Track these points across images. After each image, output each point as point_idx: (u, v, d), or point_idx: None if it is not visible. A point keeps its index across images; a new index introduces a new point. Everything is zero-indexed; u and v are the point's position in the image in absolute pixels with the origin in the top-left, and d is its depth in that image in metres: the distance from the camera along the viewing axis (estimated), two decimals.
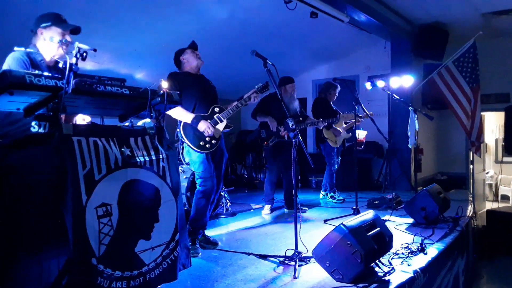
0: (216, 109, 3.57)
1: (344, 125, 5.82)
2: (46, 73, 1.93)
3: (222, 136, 3.64)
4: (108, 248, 1.97)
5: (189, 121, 3.41)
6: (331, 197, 5.78)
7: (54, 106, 1.95)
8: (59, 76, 1.94)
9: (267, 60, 3.18)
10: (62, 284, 1.84)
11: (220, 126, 3.53)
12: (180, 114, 3.43)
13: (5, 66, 2.42)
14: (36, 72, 1.98)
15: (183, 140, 3.48)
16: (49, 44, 2.56)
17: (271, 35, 5.91)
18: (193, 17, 5.12)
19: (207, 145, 3.44)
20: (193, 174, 4.74)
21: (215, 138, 3.50)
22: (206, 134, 3.40)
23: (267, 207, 5.12)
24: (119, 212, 2.03)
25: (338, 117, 5.55)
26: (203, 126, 3.40)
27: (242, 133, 8.46)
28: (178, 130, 3.52)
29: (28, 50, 2.54)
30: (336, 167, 5.82)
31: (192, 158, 3.48)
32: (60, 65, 2.63)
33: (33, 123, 2.45)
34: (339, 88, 5.80)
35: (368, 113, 5.46)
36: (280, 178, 5.28)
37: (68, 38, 2.56)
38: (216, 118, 3.51)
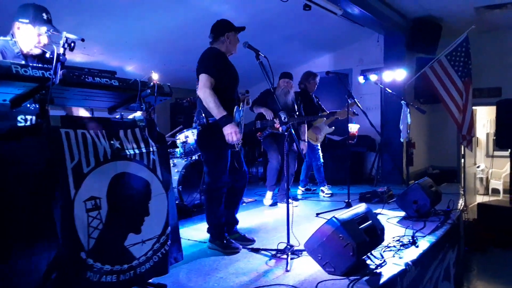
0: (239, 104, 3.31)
1: (325, 120, 5.77)
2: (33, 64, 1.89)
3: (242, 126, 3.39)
4: (97, 242, 1.94)
5: (217, 117, 3.04)
6: (321, 190, 5.78)
7: (41, 97, 1.91)
8: (47, 66, 1.90)
9: (260, 53, 3.14)
10: (52, 279, 1.82)
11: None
12: (211, 102, 3.03)
13: None
14: (23, 62, 1.93)
15: (205, 125, 3.15)
16: (24, 39, 2.51)
17: (264, 27, 5.86)
18: (185, 9, 5.07)
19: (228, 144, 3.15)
20: (185, 167, 4.72)
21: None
22: (228, 140, 3.06)
23: (269, 194, 5.12)
24: (108, 205, 2.01)
25: (320, 114, 5.49)
26: (228, 131, 3.03)
27: None
28: (202, 115, 3.17)
29: (4, 39, 2.49)
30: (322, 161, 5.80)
31: (205, 146, 3.22)
32: (48, 55, 2.59)
33: (19, 118, 2.42)
34: (318, 77, 5.68)
35: (352, 111, 5.37)
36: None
37: (44, 39, 2.48)
38: (242, 122, 3.30)
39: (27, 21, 2.47)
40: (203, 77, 3.08)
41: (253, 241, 3.40)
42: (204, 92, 3.05)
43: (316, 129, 5.66)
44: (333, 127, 5.83)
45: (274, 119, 4.85)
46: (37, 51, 2.55)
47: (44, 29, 2.38)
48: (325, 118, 5.72)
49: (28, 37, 2.50)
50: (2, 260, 1.83)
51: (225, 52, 3.27)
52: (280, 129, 4.85)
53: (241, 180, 3.41)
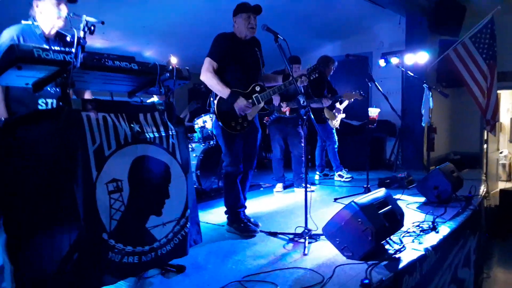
0: (257, 88, 3.26)
1: (340, 105, 5.71)
2: (55, 47, 1.91)
3: (257, 115, 3.40)
4: (119, 223, 1.98)
5: (224, 96, 3.12)
6: (339, 175, 5.73)
7: (62, 81, 1.93)
8: (68, 50, 1.92)
9: (278, 35, 3.09)
10: (73, 259, 1.85)
11: (256, 109, 3.26)
12: (216, 85, 3.14)
13: None
14: (44, 46, 1.95)
15: (214, 113, 3.23)
16: (45, 16, 2.50)
17: (281, 11, 5.78)
18: None
19: (237, 127, 3.20)
20: (203, 152, 4.75)
21: (247, 121, 3.24)
22: (240, 113, 3.14)
23: (279, 185, 5.11)
24: (129, 187, 2.04)
25: (340, 96, 5.42)
26: (241, 104, 3.10)
27: None
28: (212, 99, 3.27)
29: (26, 23, 2.51)
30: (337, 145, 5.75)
31: (219, 134, 3.28)
32: (68, 38, 2.60)
33: (39, 101, 2.46)
34: (336, 63, 5.63)
35: (360, 93, 5.32)
36: (287, 155, 5.24)
37: (63, 8, 2.46)
38: (254, 98, 3.23)
39: None
40: (205, 61, 3.19)
41: (257, 226, 3.38)
42: (205, 75, 3.16)
43: (338, 110, 5.60)
44: (345, 114, 5.80)
45: (281, 103, 4.80)
46: (60, 23, 2.51)
47: (66, 11, 2.39)
48: (339, 103, 5.66)
49: (48, 11, 2.48)
50: (25, 241, 1.88)
51: (238, 35, 3.26)
52: (287, 113, 4.83)
53: (248, 165, 3.43)
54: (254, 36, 3.33)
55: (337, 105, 5.64)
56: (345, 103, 5.73)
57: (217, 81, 3.13)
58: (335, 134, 5.73)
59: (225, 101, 3.16)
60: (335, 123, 5.71)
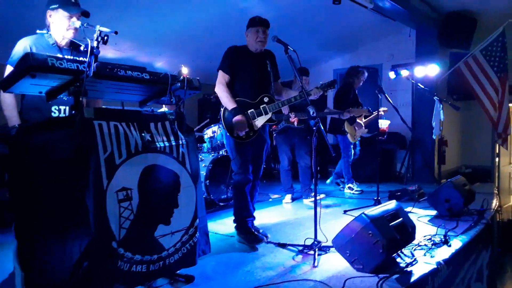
0: (266, 99, 3.31)
1: (364, 120, 5.69)
2: (68, 57, 1.94)
3: (267, 127, 3.47)
4: (128, 232, 1.98)
5: (228, 108, 3.24)
6: (349, 187, 5.69)
7: (75, 89, 1.95)
8: (82, 59, 1.94)
9: (289, 46, 3.11)
10: (84, 267, 1.86)
11: (262, 119, 3.29)
12: (224, 98, 3.26)
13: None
14: (58, 55, 1.98)
15: (221, 122, 3.33)
16: (57, 26, 2.55)
17: (291, 22, 5.82)
18: (214, 4, 5.09)
19: (243, 136, 3.26)
20: (212, 162, 4.75)
21: (253, 130, 3.28)
22: (237, 131, 3.20)
23: (288, 197, 5.08)
24: (139, 196, 2.04)
25: (347, 110, 5.37)
26: (237, 122, 3.19)
27: None
28: (221, 109, 3.35)
29: (41, 32, 2.56)
30: (352, 158, 5.72)
31: (228, 143, 3.37)
32: (82, 48, 2.64)
33: (53, 108, 2.50)
34: (366, 74, 5.62)
35: (368, 109, 5.28)
36: (295, 166, 5.21)
37: (76, 21, 2.51)
38: (262, 109, 3.29)
39: (57, 5, 2.52)
40: (218, 74, 3.33)
41: (266, 237, 3.36)
42: (218, 87, 3.30)
43: (359, 125, 5.57)
44: (367, 130, 5.74)
45: (290, 113, 4.81)
46: (69, 35, 2.56)
47: (78, 23, 2.43)
48: (363, 118, 5.63)
49: (60, 22, 2.53)
50: (37, 246, 1.89)
51: (250, 48, 3.37)
52: (295, 123, 4.82)
53: (254, 175, 3.44)
54: (267, 49, 3.43)
55: (358, 120, 5.59)
56: (369, 119, 5.66)
57: (226, 94, 3.25)
58: (352, 149, 5.68)
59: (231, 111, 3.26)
60: (354, 138, 5.65)
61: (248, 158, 3.32)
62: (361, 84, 5.64)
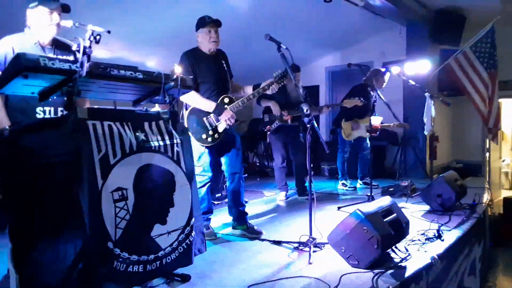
0: (226, 99, 3.32)
1: (360, 121, 5.67)
2: (61, 57, 1.92)
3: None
4: (124, 232, 1.97)
5: (210, 110, 3.23)
6: (343, 184, 5.72)
7: (68, 89, 1.94)
8: (74, 59, 1.93)
9: (281, 44, 3.11)
10: (79, 268, 1.85)
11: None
12: (199, 101, 3.24)
13: None
14: (50, 55, 1.96)
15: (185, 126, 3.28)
16: (38, 24, 2.48)
17: (282, 20, 5.82)
18: (204, 3, 5.06)
19: (208, 139, 3.26)
20: None
21: (218, 133, 3.29)
22: (226, 123, 3.24)
23: (282, 194, 5.10)
24: (134, 196, 2.03)
25: (340, 103, 5.35)
26: (225, 117, 3.21)
27: (254, 121, 8.41)
28: (181, 112, 3.33)
29: (22, 33, 2.50)
30: (363, 153, 5.72)
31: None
32: (74, 47, 2.61)
33: (37, 109, 2.45)
34: (387, 73, 5.58)
35: (361, 99, 5.27)
36: (288, 163, 5.23)
37: (57, 16, 2.44)
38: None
39: (36, 3, 2.44)
40: None
41: (261, 233, 3.41)
42: (187, 95, 3.03)
43: (355, 124, 5.58)
44: (368, 134, 5.71)
45: (282, 112, 4.81)
46: (53, 31, 2.49)
47: (70, 22, 2.40)
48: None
49: (41, 19, 2.46)
50: (29, 249, 1.87)
51: (203, 50, 3.33)
52: (289, 121, 4.84)
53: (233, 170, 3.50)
54: (219, 49, 3.41)
55: (356, 119, 5.59)
56: (366, 121, 5.62)
57: (200, 97, 3.24)
58: (348, 145, 5.68)
59: (194, 115, 3.24)
60: (348, 136, 5.65)
61: (212, 161, 3.34)
62: (383, 85, 5.58)
